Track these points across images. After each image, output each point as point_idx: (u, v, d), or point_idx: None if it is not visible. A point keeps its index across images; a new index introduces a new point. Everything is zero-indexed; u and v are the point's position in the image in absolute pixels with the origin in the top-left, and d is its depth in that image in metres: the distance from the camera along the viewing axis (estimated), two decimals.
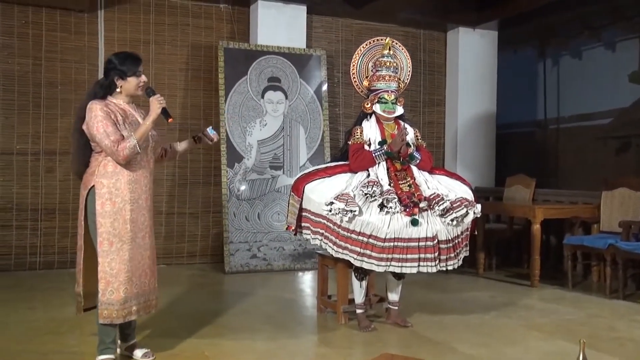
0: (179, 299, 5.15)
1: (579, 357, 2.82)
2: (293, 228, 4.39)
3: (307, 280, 6.20)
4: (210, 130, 3.71)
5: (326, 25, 7.57)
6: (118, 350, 3.49)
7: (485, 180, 7.99)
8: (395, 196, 4.00)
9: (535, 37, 8.53)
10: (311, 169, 4.64)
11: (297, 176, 4.52)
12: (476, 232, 4.57)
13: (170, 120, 3.38)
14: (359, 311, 4.32)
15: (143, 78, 3.37)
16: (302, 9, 7.14)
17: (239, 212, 6.58)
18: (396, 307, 4.43)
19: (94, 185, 3.26)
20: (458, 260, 4.20)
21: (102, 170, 3.26)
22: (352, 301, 4.42)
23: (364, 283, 4.29)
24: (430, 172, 4.38)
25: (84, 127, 3.28)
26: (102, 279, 3.23)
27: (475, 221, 4.33)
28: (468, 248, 4.33)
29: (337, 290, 4.47)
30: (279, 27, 6.98)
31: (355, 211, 3.93)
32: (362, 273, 4.24)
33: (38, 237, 6.34)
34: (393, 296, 4.43)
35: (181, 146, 3.76)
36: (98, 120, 3.21)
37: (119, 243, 3.24)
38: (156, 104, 3.30)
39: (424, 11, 7.71)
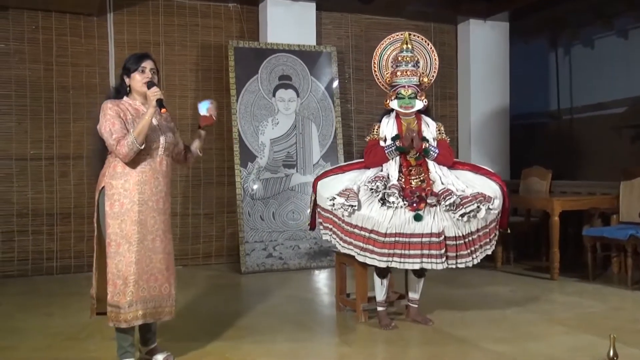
0: (198, 300, 5.13)
1: (610, 353, 2.78)
2: (309, 223, 4.49)
3: (323, 279, 6.17)
4: (202, 106, 3.48)
5: (335, 21, 7.53)
6: (137, 353, 3.48)
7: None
8: (396, 191, 3.96)
9: (547, 27, 8.44)
10: (332, 167, 4.68)
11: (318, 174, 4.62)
12: (509, 230, 4.40)
13: (163, 111, 3.26)
14: (380, 309, 4.28)
15: (147, 74, 3.31)
16: (311, 6, 7.09)
17: (253, 212, 6.55)
18: (416, 305, 4.39)
19: (104, 186, 3.26)
20: (473, 258, 4.06)
21: (112, 171, 3.26)
22: (370, 299, 4.38)
23: (385, 281, 4.25)
24: (453, 167, 4.29)
25: (97, 127, 3.28)
26: (110, 280, 3.22)
27: (506, 218, 4.23)
28: (491, 246, 4.17)
29: (356, 288, 4.43)
30: (289, 24, 6.93)
31: (354, 206, 3.95)
32: (384, 271, 4.19)
33: (54, 241, 6.35)
34: (413, 294, 4.38)
35: (194, 145, 3.69)
36: (107, 119, 3.22)
37: (126, 245, 3.21)
38: (150, 96, 3.25)
39: (433, 3, 7.64)
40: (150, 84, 3.29)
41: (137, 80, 3.32)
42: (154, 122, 3.32)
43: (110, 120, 3.21)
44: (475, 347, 3.76)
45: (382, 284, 4.25)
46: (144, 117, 3.22)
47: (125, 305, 3.20)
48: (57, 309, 4.87)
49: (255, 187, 6.60)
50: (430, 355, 3.67)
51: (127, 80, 3.36)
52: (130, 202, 3.23)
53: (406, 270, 4.35)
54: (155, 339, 3.57)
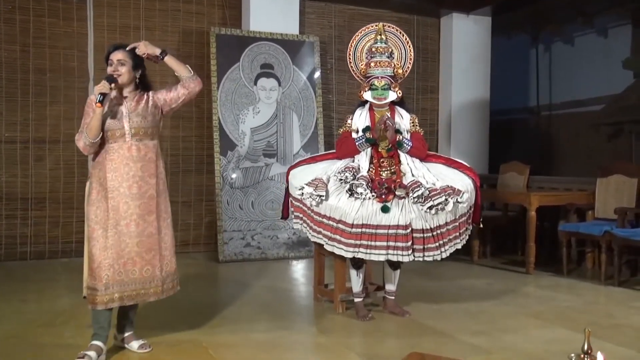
0: None
1: (584, 347, 2.80)
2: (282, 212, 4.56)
3: (301, 269, 6.17)
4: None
5: (319, 11, 7.49)
6: (113, 341, 3.47)
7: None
8: (364, 182, 3.97)
9: (529, 23, 8.50)
10: (305, 157, 4.67)
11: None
12: (481, 225, 4.43)
13: (97, 105, 3.22)
14: (357, 300, 4.29)
15: (113, 67, 3.37)
16: None
17: (232, 201, 6.51)
18: (393, 297, 4.39)
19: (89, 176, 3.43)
20: (442, 252, 4.04)
21: (93, 161, 3.44)
22: (349, 290, 4.38)
23: (361, 272, 4.26)
24: (426, 159, 4.29)
25: None
26: (87, 264, 3.33)
27: (479, 212, 4.25)
28: (462, 240, 4.17)
29: (335, 279, 4.42)
30: (272, 12, 6.87)
31: (322, 196, 3.98)
32: (358, 262, 4.20)
33: (28, 226, 6.25)
34: (389, 286, 4.39)
35: (177, 72, 3.69)
36: (84, 113, 3.40)
37: (100, 230, 3.30)
38: (95, 90, 3.31)
39: None
40: (109, 79, 3.32)
41: (108, 72, 3.42)
42: (123, 110, 3.36)
43: (84, 115, 3.37)
44: (452, 339, 3.79)
45: (357, 275, 4.26)
46: (95, 114, 3.28)
47: (102, 288, 3.26)
48: (31, 294, 4.81)
49: (234, 175, 6.56)
50: (407, 346, 3.67)
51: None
52: (103, 189, 3.34)
53: (383, 262, 4.36)
54: (131, 327, 3.54)
